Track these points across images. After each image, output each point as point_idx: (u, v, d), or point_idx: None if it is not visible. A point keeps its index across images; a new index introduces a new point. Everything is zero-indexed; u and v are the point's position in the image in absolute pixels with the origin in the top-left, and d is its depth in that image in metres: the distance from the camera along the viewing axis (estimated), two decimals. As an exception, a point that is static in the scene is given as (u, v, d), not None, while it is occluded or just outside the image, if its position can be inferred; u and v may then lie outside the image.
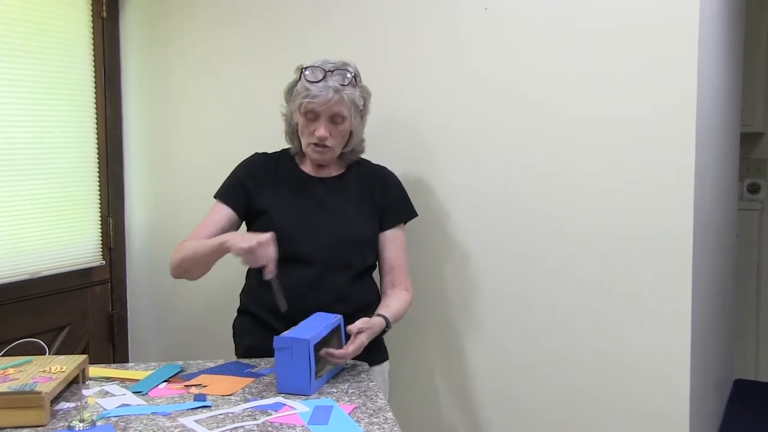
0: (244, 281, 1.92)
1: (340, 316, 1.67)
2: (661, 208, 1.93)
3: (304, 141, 1.82)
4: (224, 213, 1.84)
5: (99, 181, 2.62)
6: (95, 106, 2.59)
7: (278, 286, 1.61)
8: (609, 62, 1.96)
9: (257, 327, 1.84)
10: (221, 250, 1.65)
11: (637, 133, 1.94)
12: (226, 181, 1.90)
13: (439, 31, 2.16)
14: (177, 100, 2.62)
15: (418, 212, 1.96)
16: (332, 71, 1.75)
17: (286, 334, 1.51)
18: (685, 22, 1.87)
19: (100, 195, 2.62)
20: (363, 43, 2.26)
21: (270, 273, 1.58)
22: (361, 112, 1.84)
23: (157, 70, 2.65)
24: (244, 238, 1.59)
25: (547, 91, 2.04)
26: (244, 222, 1.89)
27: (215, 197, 1.87)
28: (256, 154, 1.94)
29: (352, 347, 1.60)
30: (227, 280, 2.17)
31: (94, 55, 2.58)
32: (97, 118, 2.60)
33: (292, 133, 1.87)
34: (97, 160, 2.61)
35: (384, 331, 1.73)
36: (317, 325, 1.58)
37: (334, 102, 1.73)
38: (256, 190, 1.85)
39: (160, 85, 2.65)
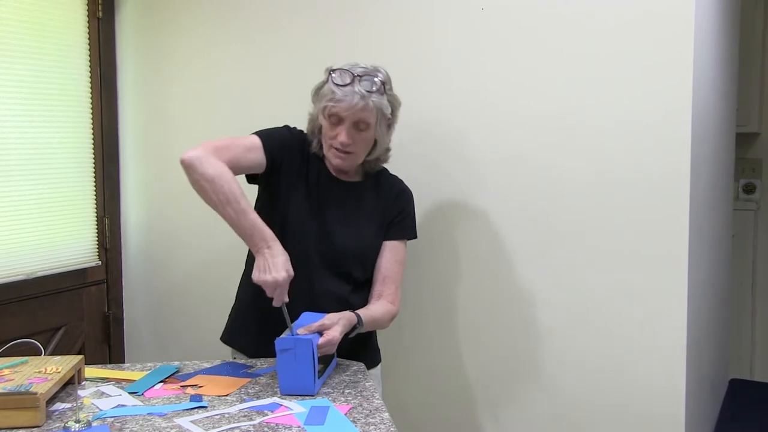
0: (239, 281, 1.92)
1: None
2: (657, 208, 1.93)
3: (325, 144, 1.76)
4: (257, 154, 1.72)
5: (95, 182, 2.61)
6: (91, 106, 2.59)
7: (287, 312, 1.57)
8: (605, 62, 1.96)
9: (250, 328, 1.84)
10: (249, 244, 1.60)
11: (632, 134, 1.94)
12: (272, 130, 1.79)
13: (434, 31, 2.16)
14: (173, 100, 2.62)
15: (415, 214, 1.93)
16: (361, 76, 1.68)
17: (286, 335, 1.51)
18: (681, 22, 1.87)
19: (95, 195, 2.62)
20: (357, 44, 2.26)
21: (279, 302, 1.55)
22: (389, 121, 1.78)
23: (152, 69, 2.65)
24: (265, 269, 1.54)
25: (543, 92, 2.04)
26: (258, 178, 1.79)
27: (256, 134, 1.76)
28: (300, 131, 1.84)
29: (323, 339, 1.54)
30: (223, 281, 2.17)
31: (89, 56, 2.58)
32: (92, 118, 2.60)
33: (315, 134, 1.81)
34: (93, 161, 2.60)
35: (354, 328, 1.67)
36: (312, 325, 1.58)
37: (359, 108, 1.67)
38: (287, 162, 1.78)
39: (155, 84, 2.65)
